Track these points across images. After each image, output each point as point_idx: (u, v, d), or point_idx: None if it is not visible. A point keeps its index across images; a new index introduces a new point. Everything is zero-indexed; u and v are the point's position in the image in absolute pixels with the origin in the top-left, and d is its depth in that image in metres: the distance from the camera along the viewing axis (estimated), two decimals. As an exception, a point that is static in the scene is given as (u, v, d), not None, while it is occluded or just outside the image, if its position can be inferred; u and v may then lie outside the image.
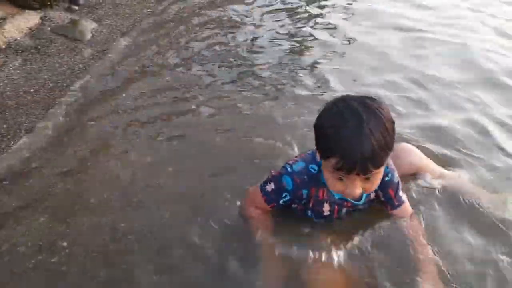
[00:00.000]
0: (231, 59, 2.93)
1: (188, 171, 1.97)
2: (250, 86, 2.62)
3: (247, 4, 3.77)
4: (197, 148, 2.12)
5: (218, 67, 2.86)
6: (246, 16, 3.55)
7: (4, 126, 2.27)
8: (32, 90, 2.63)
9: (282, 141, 2.05)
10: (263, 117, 2.31)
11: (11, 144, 2.12)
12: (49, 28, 3.30)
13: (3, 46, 3.05)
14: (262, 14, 3.59)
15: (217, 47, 3.09)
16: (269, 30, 3.35)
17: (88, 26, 3.37)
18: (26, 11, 3.38)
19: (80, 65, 2.90)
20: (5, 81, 2.68)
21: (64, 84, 2.69)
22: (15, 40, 3.11)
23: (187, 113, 2.39)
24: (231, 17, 3.54)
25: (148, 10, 3.70)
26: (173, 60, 2.96)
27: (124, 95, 2.56)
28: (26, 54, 3.01)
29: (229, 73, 2.79)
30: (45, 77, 2.76)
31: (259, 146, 2.08)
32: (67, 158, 2.05)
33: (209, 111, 2.40)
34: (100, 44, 3.17)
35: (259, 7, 3.72)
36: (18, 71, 2.81)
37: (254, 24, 3.43)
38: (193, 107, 2.44)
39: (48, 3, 3.52)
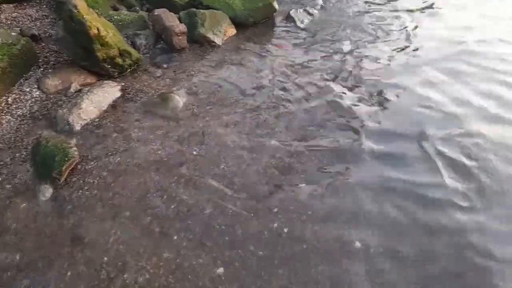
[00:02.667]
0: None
1: None
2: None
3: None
4: None
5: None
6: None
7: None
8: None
9: None
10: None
11: None
12: (133, 103, 2.61)
13: (79, 129, 2.39)
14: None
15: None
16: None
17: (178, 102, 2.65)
18: (105, 81, 2.75)
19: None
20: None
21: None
22: (92, 121, 2.45)
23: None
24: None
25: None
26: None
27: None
28: (106, 138, 2.33)
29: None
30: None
31: None
32: None
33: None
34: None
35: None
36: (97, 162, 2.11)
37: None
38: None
39: (128, 69, 2.89)
